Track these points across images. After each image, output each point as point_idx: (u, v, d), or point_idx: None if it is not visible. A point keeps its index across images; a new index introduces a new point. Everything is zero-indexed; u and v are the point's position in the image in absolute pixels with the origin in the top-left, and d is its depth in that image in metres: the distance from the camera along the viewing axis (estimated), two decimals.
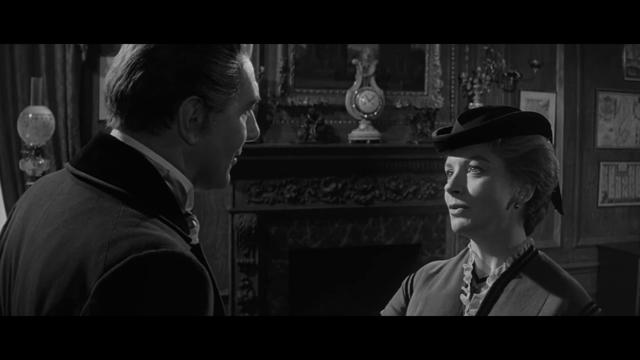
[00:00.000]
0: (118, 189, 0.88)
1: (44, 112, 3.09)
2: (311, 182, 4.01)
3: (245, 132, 1.01)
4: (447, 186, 1.28)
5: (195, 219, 1.01)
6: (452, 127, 1.31)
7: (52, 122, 3.11)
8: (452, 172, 1.28)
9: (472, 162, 1.25)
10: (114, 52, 0.99)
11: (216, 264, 3.93)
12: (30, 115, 3.03)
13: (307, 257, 4.15)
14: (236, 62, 0.96)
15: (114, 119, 0.95)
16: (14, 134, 3.36)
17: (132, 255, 0.78)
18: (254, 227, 3.87)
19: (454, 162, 1.28)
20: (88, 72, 3.62)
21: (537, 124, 1.28)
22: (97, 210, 0.85)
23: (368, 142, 3.97)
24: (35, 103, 3.08)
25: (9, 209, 3.42)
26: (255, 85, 1.01)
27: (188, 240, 0.93)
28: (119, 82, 0.91)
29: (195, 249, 0.93)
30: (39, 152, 3.07)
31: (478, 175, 1.24)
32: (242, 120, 1.00)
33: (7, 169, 3.43)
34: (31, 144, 3.05)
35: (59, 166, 3.42)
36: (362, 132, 3.97)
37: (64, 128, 3.51)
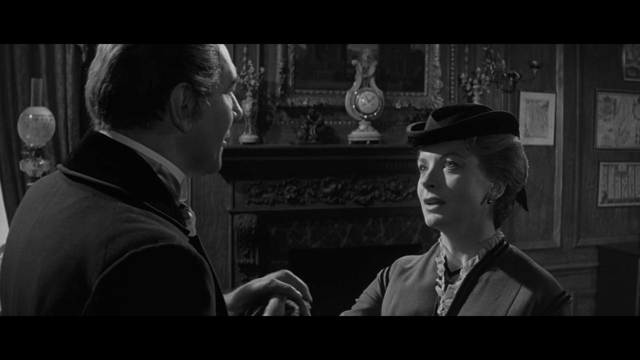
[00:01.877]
0: (113, 186, 0.88)
1: (44, 113, 3.09)
2: (311, 183, 4.01)
3: (231, 113, 1.03)
4: (422, 180, 1.31)
5: (190, 209, 1.02)
6: (424, 123, 1.35)
7: (53, 122, 3.11)
8: (426, 167, 1.32)
9: (449, 158, 1.29)
10: None
11: (216, 265, 3.93)
12: (30, 116, 3.03)
13: (307, 258, 4.15)
14: (213, 45, 0.98)
15: (102, 122, 0.95)
16: (14, 135, 3.37)
17: (131, 250, 0.78)
18: (253, 227, 3.87)
19: (428, 158, 1.32)
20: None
21: (509, 123, 1.33)
22: (94, 208, 0.86)
23: (368, 142, 3.97)
24: (36, 104, 3.08)
25: (9, 209, 3.42)
26: (233, 66, 1.03)
27: (186, 232, 0.93)
28: (104, 85, 0.92)
29: (194, 240, 0.94)
30: (39, 152, 3.06)
31: (454, 171, 1.28)
32: (228, 102, 1.02)
33: (8, 169, 3.43)
34: (31, 145, 3.05)
35: None
36: (362, 132, 3.97)
37: (64, 129, 3.52)
